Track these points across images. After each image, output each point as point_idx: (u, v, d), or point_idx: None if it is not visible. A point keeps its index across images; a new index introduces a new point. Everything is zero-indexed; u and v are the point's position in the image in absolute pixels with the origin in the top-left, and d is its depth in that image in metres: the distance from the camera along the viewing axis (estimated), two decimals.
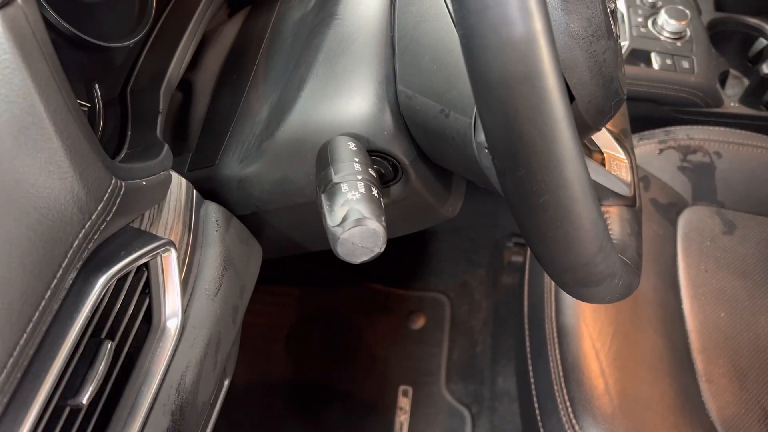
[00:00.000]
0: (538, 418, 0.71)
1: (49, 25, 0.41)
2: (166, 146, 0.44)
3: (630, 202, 0.51)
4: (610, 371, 0.69)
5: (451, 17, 0.41)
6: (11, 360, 0.28)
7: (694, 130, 0.91)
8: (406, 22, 0.44)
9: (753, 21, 1.07)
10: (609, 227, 0.49)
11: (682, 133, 0.91)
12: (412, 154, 0.48)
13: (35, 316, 0.29)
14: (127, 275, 0.36)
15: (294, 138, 0.48)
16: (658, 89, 0.98)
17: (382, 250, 0.38)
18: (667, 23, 0.99)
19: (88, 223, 0.31)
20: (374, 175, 0.42)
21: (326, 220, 0.38)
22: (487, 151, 0.40)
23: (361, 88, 0.46)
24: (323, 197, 0.39)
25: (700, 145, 0.89)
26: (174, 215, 0.44)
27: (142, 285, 0.39)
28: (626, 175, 0.52)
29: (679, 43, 0.99)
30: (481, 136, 0.39)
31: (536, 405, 0.72)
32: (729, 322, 0.75)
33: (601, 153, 0.52)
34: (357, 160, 0.41)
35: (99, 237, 0.33)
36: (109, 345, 0.35)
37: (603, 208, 0.50)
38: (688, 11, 1.00)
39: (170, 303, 0.41)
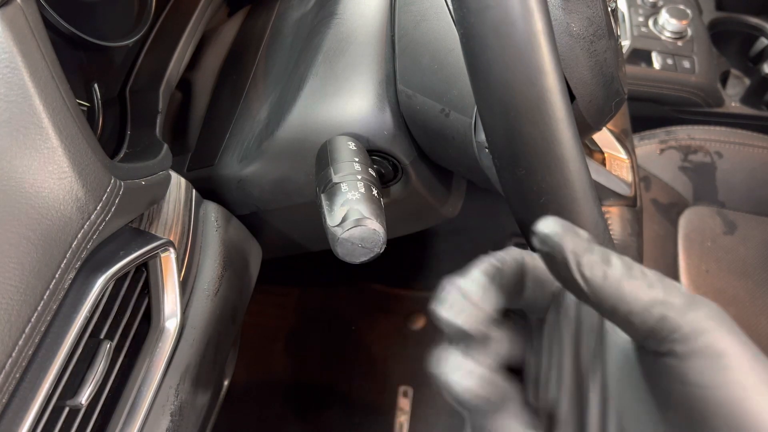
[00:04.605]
0: None
1: (48, 24, 0.41)
2: (166, 146, 0.44)
3: (631, 202, 0.51)
4: None
5: (452, 16, 0.41)
6: (10, 360, 0.27)
7: (695, 130, 0.91)
8: (406, 21, 0.44)
9: (754, 21, 1.07)
10: (610, 227, 0.49)
11: (683, 133, 0.90)
12: (412, 153, 0.48)
13: (34, 316, 0.29)
14: (126, 275, 0.36)
15: (294, 138, 0.47)
16: (659, 89, 0.97)
17: (382, 250, 0.38)
18: (668, 23, 0.99)
19: (87, 223, 0.31)
20: (374, 174, 0.41)
21: (326, 220, 0.38)
22: (487, 150, 0.40)
23: (361, 87, 0.46)
24: (323, 197, 0.39)
25: (701, 145, 0.89)
26: (173, 215, 0.44)
27: (141, 285, 0.39)
28: (627, 175, 0.52)
29: (680, 43, 0.99)
30: (482, 136, 0.39)
31: None
32: None
33: (602, 153, 0.52)
34: (357, 159, 0.41)
35: (98, 237, 0.33)
36: (108, 345, 0.35)
37: (604, 208, 0.50)
38: (689, 11, 1.00)
39: (169, 303, 0.41)
